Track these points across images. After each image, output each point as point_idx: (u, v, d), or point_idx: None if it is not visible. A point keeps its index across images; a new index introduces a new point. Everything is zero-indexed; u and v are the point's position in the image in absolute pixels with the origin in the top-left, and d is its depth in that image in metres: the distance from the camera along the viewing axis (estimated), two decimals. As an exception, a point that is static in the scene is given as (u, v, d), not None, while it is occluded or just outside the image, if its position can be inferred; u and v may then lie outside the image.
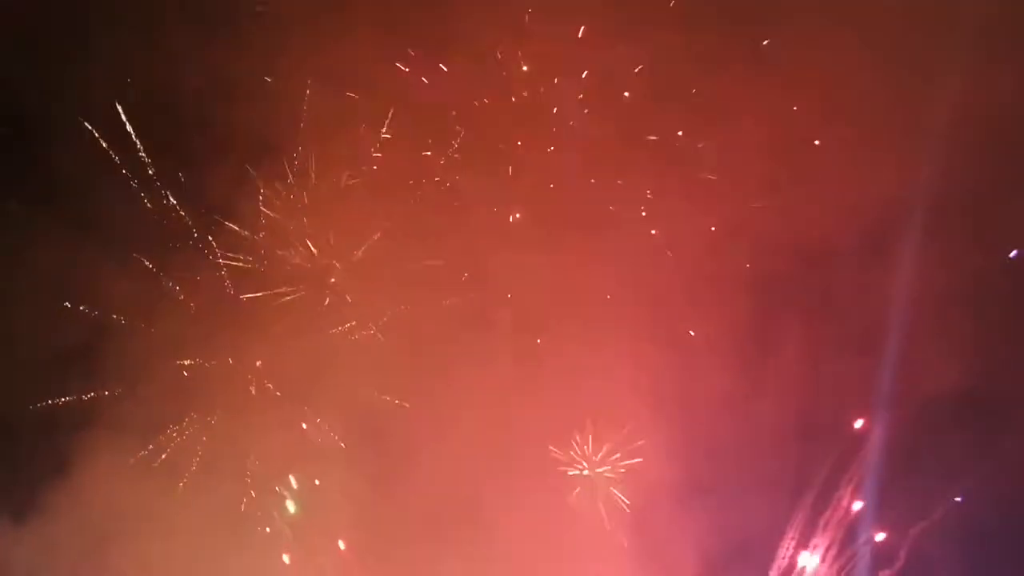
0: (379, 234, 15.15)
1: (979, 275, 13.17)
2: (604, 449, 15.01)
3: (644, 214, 15.22)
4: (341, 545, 15.30)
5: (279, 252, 15.23)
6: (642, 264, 14.90)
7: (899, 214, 13.58)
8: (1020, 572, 14.63)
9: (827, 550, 14.77)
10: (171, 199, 14.80)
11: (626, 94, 14.68)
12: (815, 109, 13.72)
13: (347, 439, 15.05)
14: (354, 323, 15.21)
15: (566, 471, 15.11)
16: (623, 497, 14.88)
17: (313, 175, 14.97)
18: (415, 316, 15.11)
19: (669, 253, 15.10)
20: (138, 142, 14.42)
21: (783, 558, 14.96)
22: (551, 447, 15.08)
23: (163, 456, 14.52)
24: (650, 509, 14.70)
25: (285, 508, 15.17)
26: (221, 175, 14.49)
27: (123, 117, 14.34)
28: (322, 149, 14.71)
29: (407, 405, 15.04)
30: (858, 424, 14.45)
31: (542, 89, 14.96)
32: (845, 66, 13.28)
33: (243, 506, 14.82)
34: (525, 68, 14.78)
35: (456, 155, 15.14)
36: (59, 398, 14.74)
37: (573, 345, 14.89)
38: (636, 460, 14.92)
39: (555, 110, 15.07)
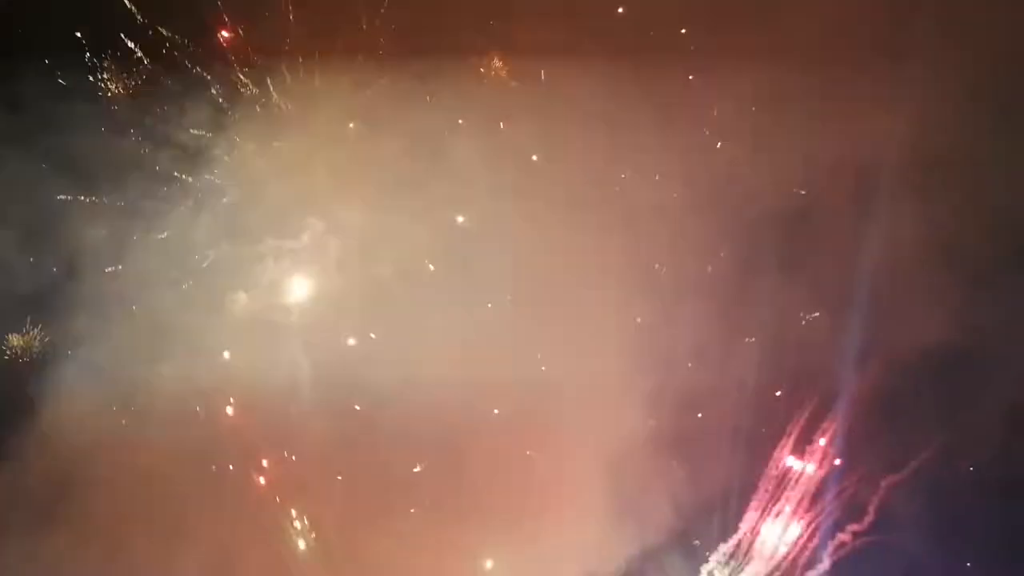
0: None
1: (956, 230, 13.24)
2: (582, 399, 15.01)
3: (629, 170, 15.19)
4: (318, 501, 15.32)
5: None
6: (624, 215, 14.97)
7: (879, 167, 13.63)
8: (987, 529, 14.74)
9: (798, 503, 14.93)
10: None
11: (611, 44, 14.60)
12: (796, 62, 13.67)
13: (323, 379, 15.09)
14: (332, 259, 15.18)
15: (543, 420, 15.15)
16: (598, 448, 14.95)
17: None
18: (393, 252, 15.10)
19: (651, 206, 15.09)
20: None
21: (755, 510, 15.10)
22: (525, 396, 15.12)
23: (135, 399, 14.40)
24: (624, 461, 14.74)
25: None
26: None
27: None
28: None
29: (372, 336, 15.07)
30: (832, 378, 14.55)
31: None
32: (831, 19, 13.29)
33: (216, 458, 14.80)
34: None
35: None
36: (26, 339, 14.58)
37: (550, 293, 14.94)
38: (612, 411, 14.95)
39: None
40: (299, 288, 15.46)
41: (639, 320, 14.57)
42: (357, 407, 15.11)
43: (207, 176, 15.05)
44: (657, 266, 14.71)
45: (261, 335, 15.37)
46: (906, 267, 13.68)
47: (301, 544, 15.06)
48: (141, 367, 14.68)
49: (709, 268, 14.54)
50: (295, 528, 15.05)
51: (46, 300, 14.73)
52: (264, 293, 15.43)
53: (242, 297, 15.26)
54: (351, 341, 15.31)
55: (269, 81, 14.91)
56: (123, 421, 14.69)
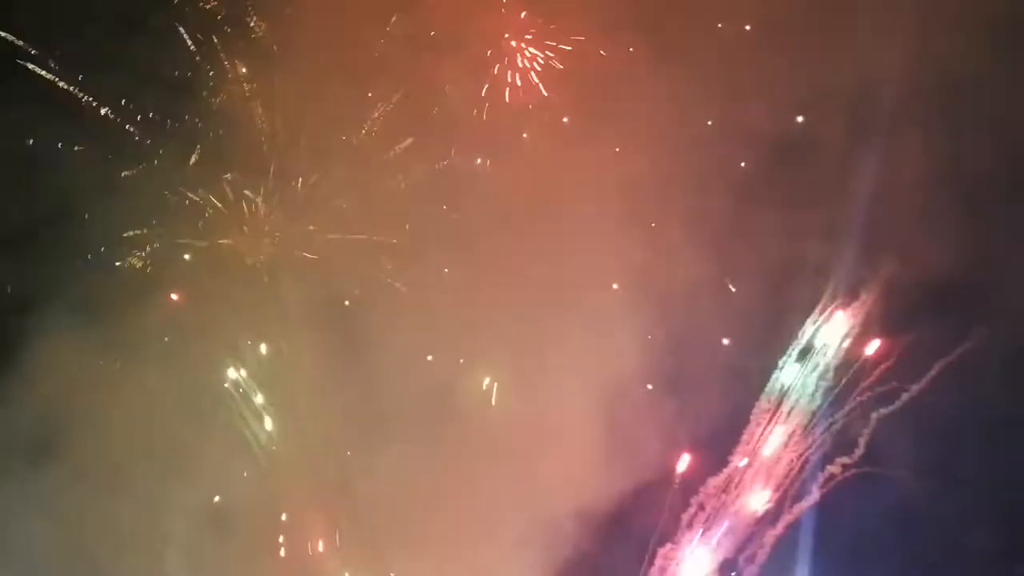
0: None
1: (959, 157, 13.03)
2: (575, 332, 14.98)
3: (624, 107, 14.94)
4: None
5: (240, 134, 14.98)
6: (618, 146, 14.79)
7: (876, 97, 13.39)
8: (978, 465, 14.77)
9: (789, 436, 15.03)
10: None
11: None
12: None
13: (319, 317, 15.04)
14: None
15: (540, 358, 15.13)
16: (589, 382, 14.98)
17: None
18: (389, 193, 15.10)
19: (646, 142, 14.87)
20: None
21: (746, 443, 15.20)
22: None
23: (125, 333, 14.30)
24: (616, 395, 14.76)
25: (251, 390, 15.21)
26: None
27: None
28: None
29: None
30: (827, 312, 14.53)
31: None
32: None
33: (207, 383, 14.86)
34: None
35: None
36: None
37: (548, 231, 14.80)
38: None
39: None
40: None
41: (635, 251, 14.46)
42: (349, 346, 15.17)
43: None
44: (653, 198, 14.52)
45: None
46: (906, 196, 13.52)
47: (294, 473, 15.19)
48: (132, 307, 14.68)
49: (705, 199, 14.33)
50: (289, 461, 15.19)
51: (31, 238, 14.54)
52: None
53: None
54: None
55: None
56: (116, 362, 14.64)
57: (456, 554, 15.12)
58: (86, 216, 14.66)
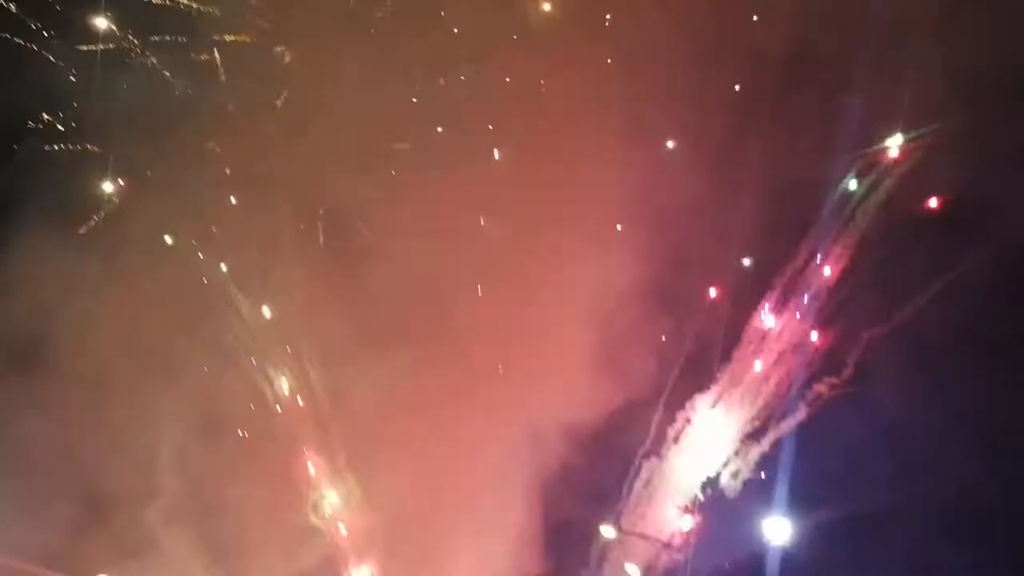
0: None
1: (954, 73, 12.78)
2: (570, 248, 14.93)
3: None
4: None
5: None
6: (617, 62, 14.57)
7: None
8: (967, 386, 14.83)
9: (779, 355, 15.09)
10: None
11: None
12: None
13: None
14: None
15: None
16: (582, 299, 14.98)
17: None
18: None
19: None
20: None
21: (737, 360, 15.28)
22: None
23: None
24: (608, 313, 14.77)
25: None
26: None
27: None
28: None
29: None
30: (819, 231, 14.44)
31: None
32: None
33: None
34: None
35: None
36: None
37: (548, 149, 14.64)
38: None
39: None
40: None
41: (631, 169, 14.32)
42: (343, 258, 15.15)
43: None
44: (651, 114, 14.36)
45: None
46: (893, 116, 13.34)
47: (285, 383, 15.24)
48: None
49: (703, 116, 14.15)
50: (280, 366, 15.23)
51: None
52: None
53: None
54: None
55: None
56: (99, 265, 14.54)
57: (446, 466, 15.40)
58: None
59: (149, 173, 14.98)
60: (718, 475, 15.98)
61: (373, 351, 14.91)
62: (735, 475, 16.47)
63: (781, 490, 14.32)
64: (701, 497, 15.76)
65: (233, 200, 15.33)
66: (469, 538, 15.53)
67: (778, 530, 13.46)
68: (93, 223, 14.52)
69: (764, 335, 14.98)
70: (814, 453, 15.05)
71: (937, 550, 13.37)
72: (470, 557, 15.64)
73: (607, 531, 17.07)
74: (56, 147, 14.81)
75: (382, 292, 14.83)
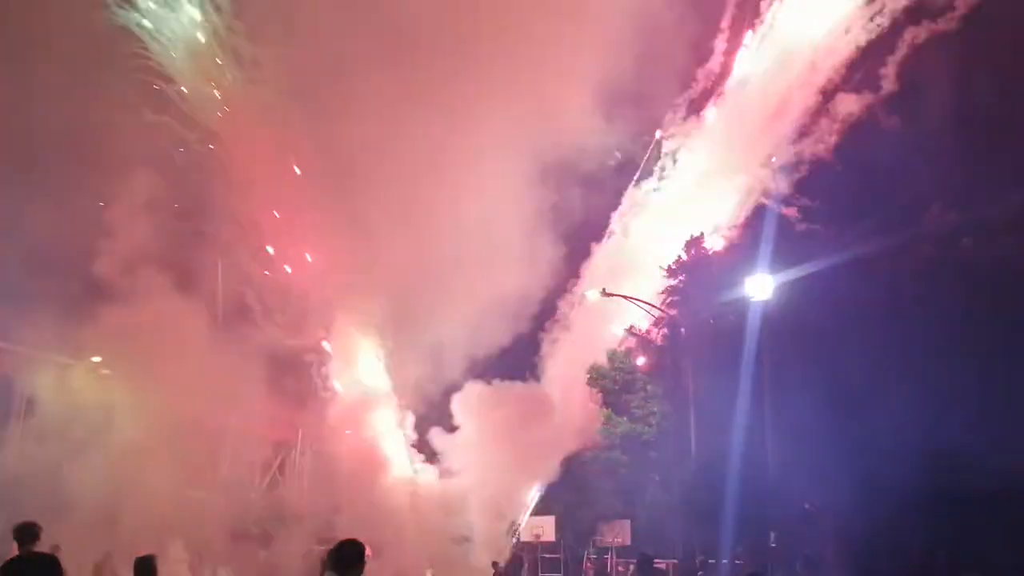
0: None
1: None
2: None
3: None
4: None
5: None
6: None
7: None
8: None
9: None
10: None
11: None
12: None
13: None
14: None
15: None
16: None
17: None
18: None
19: None
20: None
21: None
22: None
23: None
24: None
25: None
26: None
27: None
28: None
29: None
30: None
31: None
32: None
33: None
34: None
35: None
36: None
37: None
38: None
39: None
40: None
41: None
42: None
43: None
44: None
45: None
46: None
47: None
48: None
49: None
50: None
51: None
52: None
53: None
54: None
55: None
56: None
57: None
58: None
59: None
60: (701, 235, 16.18)
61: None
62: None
63: (765, 249, 14.42)
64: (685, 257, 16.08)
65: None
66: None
67: (760, 286, 13.65)
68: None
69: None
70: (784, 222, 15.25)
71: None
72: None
73: (592, 294, 17.53)
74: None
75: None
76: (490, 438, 16.23)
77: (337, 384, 16.88)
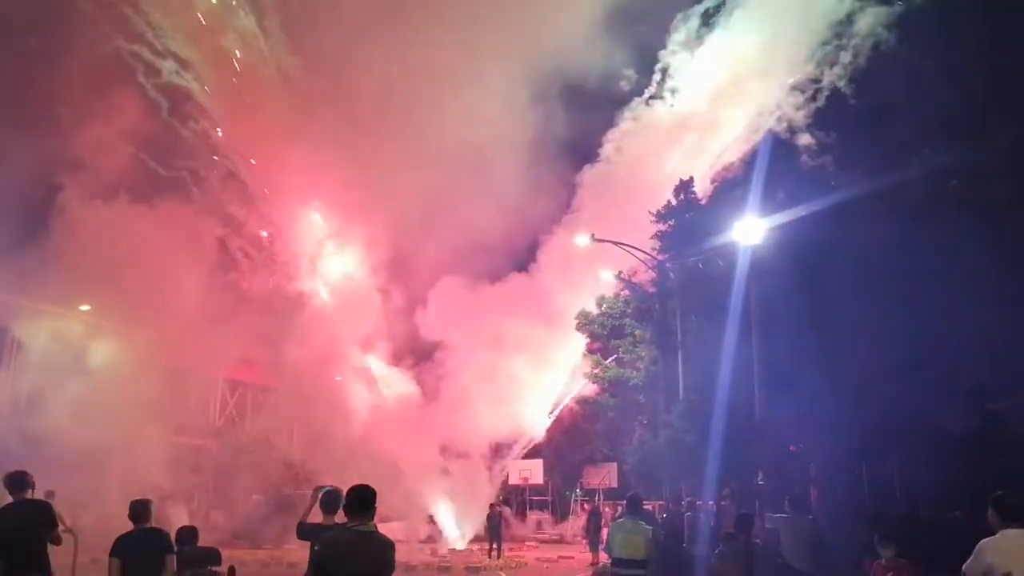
0: None
1: None
2: None
3: None
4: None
5: None
6: None
7: None
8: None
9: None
10: None
11: None
12: None
13: None
14: None
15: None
16: None
17: None
18: None
19: None
20: None
21: None
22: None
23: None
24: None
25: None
26: None
27: None
28: None
29: None
30: None
31: None
32: None
33: None
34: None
35: None
36: None
37: None
38: None
39: None
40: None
41: None
42: None
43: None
44: None
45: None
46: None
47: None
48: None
49: None
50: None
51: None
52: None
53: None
54: None
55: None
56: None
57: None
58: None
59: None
60: (691, 179, 15.98)
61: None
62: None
63: (756, 193, 14.18)
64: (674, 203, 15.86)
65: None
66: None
67: (750, 232, 13.50)
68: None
69: None
70: (785, 157, 15.00)
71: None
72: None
73: (581, 239, 17.41)
74: None
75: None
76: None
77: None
